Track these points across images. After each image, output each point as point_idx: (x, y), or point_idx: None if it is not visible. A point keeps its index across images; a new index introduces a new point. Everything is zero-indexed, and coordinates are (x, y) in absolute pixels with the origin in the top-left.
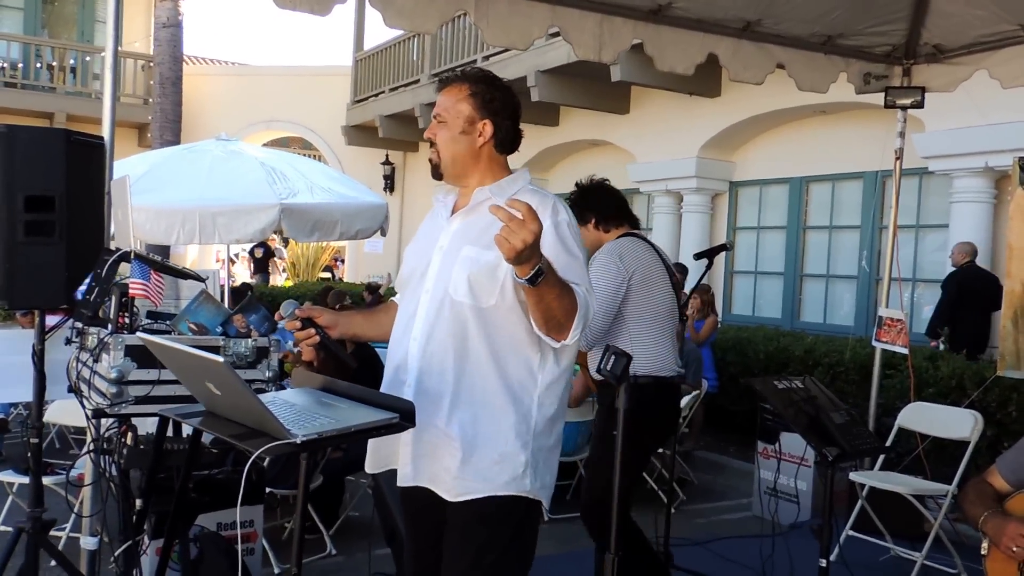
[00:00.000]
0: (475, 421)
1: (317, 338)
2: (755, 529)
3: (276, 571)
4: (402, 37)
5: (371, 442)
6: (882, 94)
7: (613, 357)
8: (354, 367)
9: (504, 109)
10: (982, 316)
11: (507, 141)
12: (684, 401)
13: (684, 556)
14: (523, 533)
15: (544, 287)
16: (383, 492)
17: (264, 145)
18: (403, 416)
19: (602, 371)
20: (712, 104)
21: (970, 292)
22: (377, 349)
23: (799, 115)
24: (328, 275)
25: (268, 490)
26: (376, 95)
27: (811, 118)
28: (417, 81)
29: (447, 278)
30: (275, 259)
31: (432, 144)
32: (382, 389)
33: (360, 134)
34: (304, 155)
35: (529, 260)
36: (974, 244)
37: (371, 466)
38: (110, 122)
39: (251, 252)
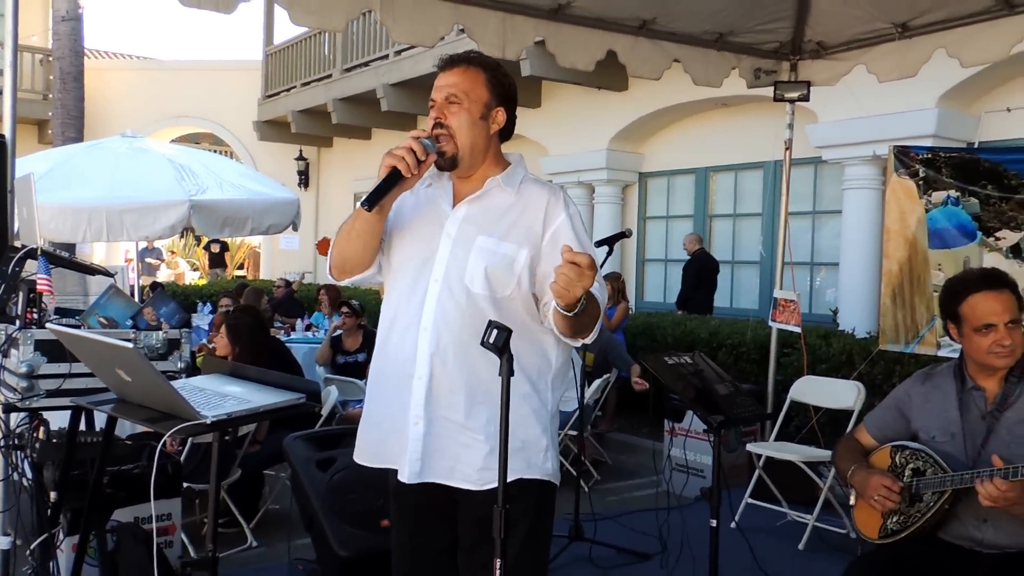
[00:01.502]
0: (496, 412)
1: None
2: (663, 503)
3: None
4: (313, 32)
5: (368, 434)
6: (772, 88)
7: (495, 331)
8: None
9: (514, 96)
10: (710, 291)
11: (508, 131)
12: (595, 385)
13: (593, 529)
14: (544, 515)
15: (583, 313)
16: (302, 482)
17: (173, 141)
18: (309, 396)
19: (485, 344)
20: (620, 98)
21: (707, 272)
22: (290, 345)
23: (702, 108)
24: (243, 272)
25: (186, 484)
26: (288, 90)
27: (713, 111)
28: (329, 76)
29: (461, 268)
30: (227, 253)
31: (440, 125)
32: (375, 380)
33: (272, 129)
34: (215, 151)
35: (576, 299)
36: (699, 234)
37: (364, 458)
38: (11, 119)
39: (207, 247)
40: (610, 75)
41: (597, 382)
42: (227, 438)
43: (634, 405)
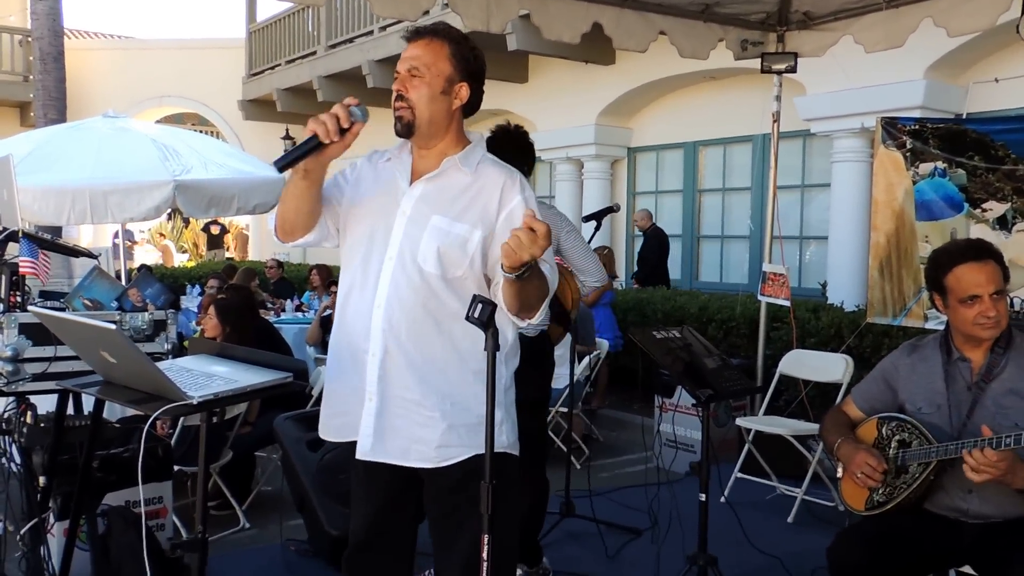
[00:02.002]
0: (453, 390)
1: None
2: (653, 479)
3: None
4: (296, 8)
5: (329, 408)
6: (759, 60)
7: (480, 305)
8: None
9: (479, 72)
10: (663, 262)
11: (473, 106)
12: (585, 361)
13: (584, 506)
14: (508, 488)
15: (533, 279)
16: (292, 462)
17: (158, 122)
18: (297, 375)
19: (470, 318)
20: (607, 72)
21: (666, 246)
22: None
23: (690, 81)
24: (231, 254)
25: (177, 468)
26: (272, 68)
27: (702, 84)
28: (314, 53)
29: (415, 247)
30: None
31: (401, 97)
32: (333, 355)
33: (258, 108)
34: (200, 131)
35: (523, 264)
36: (648, 210)
37: (327, 433)
38: None
39: (206, 228)
40: (597, 49)
41: (587, 358)
42: (216, 420)
43: (625, 381)
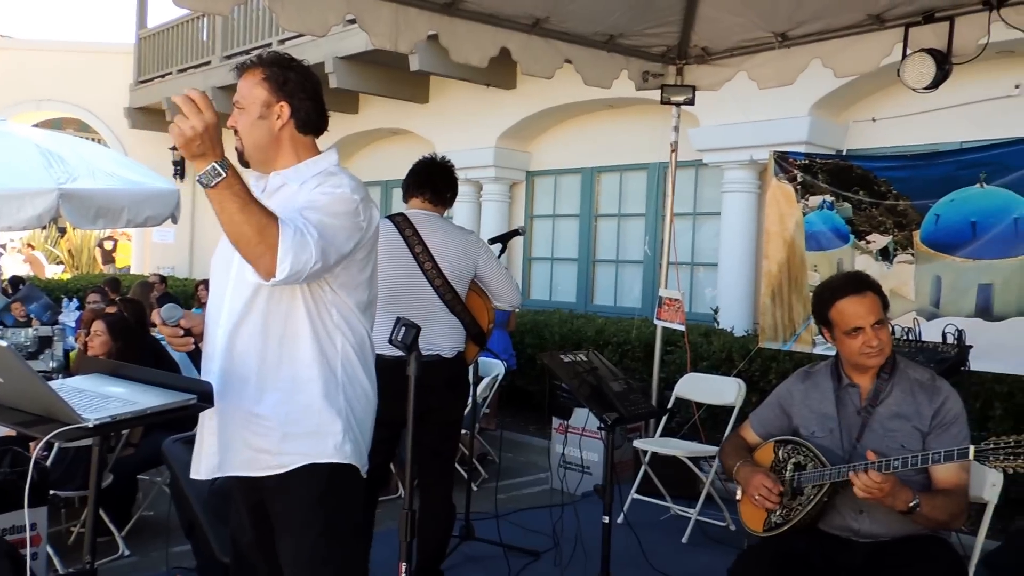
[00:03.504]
0: (286, 398)
1: (192, 346)
2: (552, 500)
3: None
4: (190, 16)
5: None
6: (659, 91)
7: (403, 328)
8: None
9: (301, 89)
10: None
11: (309, 122)
12: (484, 382)
13: (484, 529)
14: (348, 500)
15: (225, 192)
16: (182, 486)
17: (35, 127)
18: (201, 397)
19: (393, 342)
20: (508, 96)
21: None
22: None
23: (589, 108)
24: (110, 266)
25: (52, 492)
26: (163, 76)
27: (600, 112)
28: (208, 63)
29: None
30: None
31: (236, 132)
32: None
33: (146, 117)
34: (83, 139)
35: (204, 155)
36: None
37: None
38: None
39: (100, 244)
40: (499, 73)
41: (486, 380)
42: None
43: (522, 403)
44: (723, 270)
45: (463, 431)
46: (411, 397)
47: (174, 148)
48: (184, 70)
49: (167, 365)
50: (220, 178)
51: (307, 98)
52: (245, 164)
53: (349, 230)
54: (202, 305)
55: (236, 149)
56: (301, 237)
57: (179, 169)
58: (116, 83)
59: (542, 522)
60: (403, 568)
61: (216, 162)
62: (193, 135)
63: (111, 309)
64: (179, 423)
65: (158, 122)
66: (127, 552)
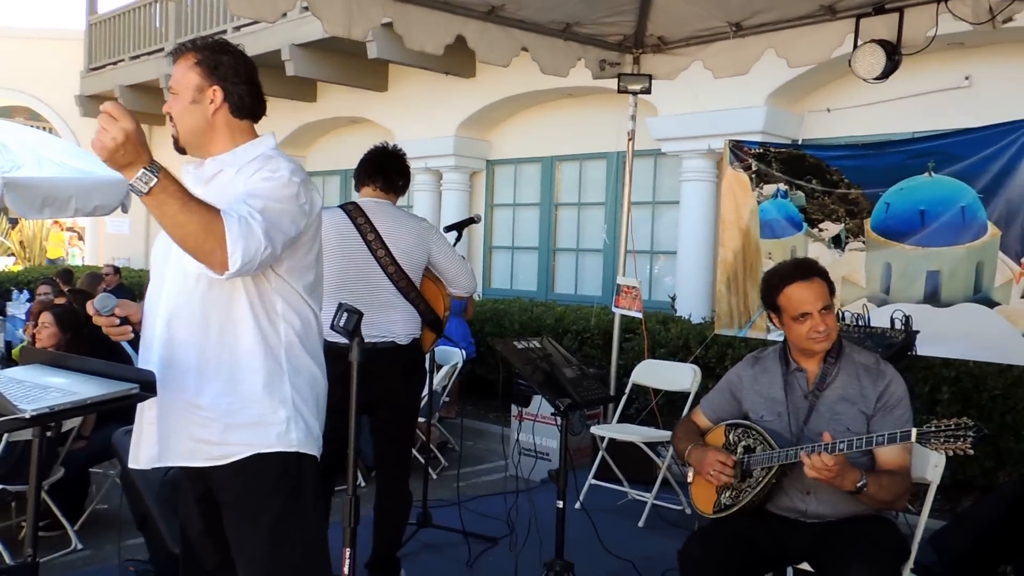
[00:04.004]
0: (227, 388)
1: (131, 335)
2: (511, 487)
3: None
4: (143, 2)
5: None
6: (616, 80)
7: (346, 314)
8: None
9: (234, 73)
10: None
11: (245, 106)
12: (443, 371)
13: (442, 516)
14: (300, 487)
15: (161, 195)
16: (133, 478)
17: None
18: (143, 387)
19: (335, 328)
20: (468, 84)
21: None
22: None
23: (549, 98)
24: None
25: (1, 487)
26: (115, 63)
27: (560, 100)
28: (161, 50)
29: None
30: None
31: (171, 118)
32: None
33: (97, 105)
34: (34, 127)
35: (131, 163)
36: None
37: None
38: None
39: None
40: (458, 61)
41: (445, 368)
42: (49, 434)
43: (482, 391)
44: (681, 258)
45: (420, 419)
46: (354, 382)
47: None
48: (137, 57)
49: (120, 357)
50: (154, 182)
51: (241, 82)
52: (181, 150)
53: (293, 214)
54: None
55: (172, 136)
56: (247, 225)
57: None
58: (67, 70)
59: (499, 509)
60: (347, 554)
61: (145, 167)
62: (115, 145)
63: (60, 300)
64: (130, 414)
65: None
66: (80, 546)
